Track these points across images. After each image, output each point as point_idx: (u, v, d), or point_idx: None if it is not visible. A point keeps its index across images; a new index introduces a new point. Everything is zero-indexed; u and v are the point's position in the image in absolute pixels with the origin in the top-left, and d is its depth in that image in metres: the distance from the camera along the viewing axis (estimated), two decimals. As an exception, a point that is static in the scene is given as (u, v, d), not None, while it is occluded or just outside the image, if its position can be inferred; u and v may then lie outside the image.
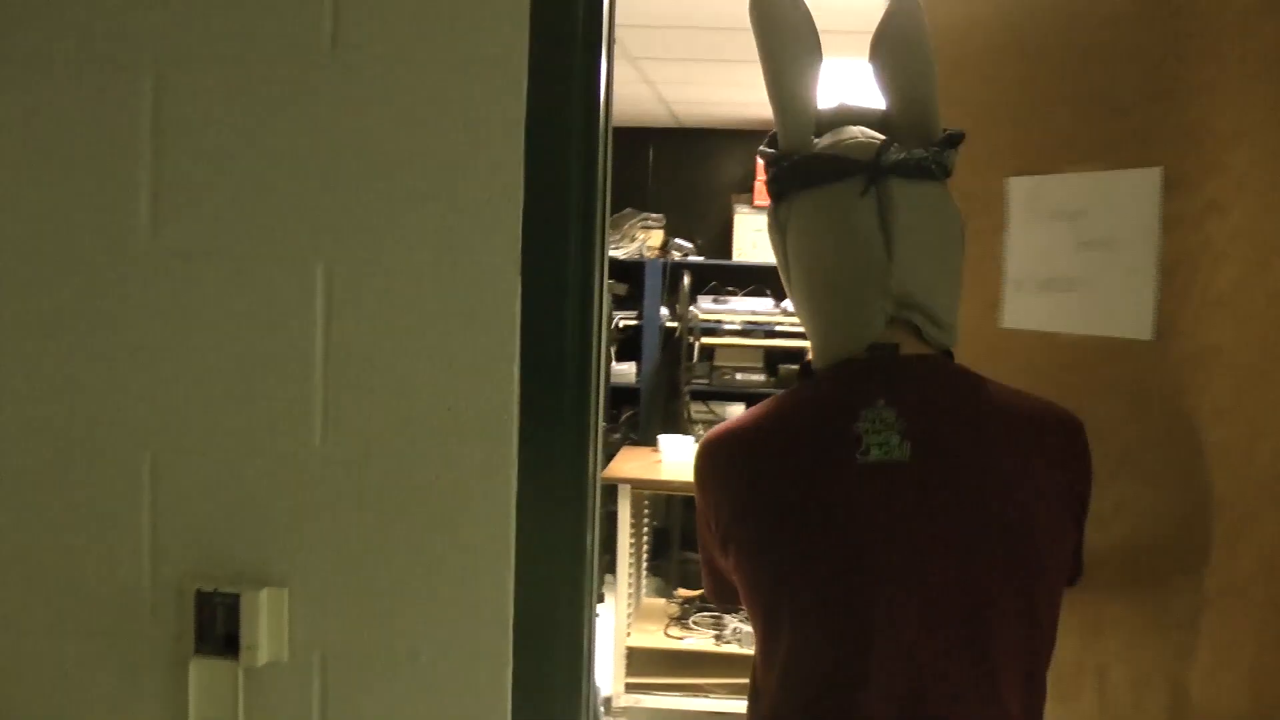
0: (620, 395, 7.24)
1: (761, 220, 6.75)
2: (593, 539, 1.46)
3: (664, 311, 7.33)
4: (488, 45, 1.36)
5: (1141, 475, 1.65)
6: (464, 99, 1.36)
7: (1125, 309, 1.68)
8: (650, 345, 7.28)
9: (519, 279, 1.37)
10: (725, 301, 7.26)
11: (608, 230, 1.45)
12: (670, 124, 7.77)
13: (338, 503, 1.39)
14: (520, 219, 1.37)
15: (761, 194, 7.30)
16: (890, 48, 1.51)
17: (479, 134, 1.37)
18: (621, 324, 7.35)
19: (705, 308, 7.23)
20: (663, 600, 5.62)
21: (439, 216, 1.37)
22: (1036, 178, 1.87)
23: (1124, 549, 1.69)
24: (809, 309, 1.52)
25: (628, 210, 7.63)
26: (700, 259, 7.47)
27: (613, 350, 7.38)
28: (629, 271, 7.29)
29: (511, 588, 1.38)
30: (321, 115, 1.36)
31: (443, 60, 1.36)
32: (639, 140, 7.89)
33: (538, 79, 1.36)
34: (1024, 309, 1.90)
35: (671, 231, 7.55)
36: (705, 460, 1.58)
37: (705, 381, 7.33)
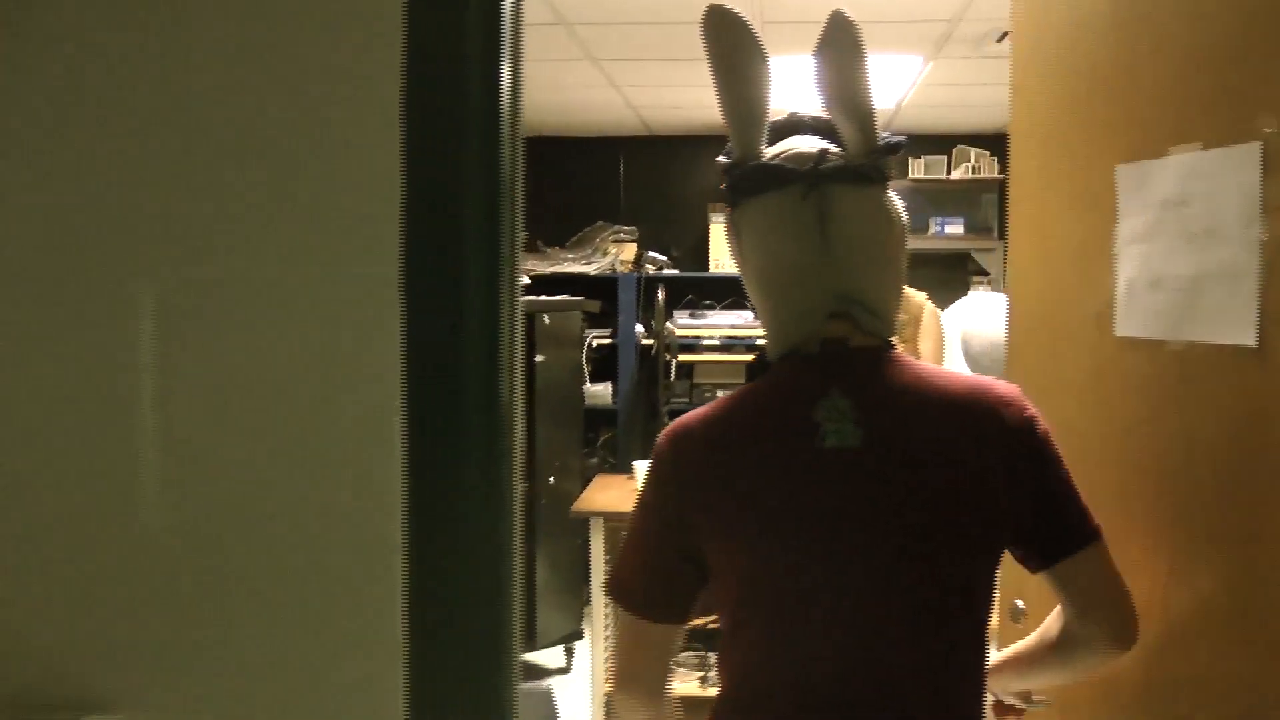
0: (597, 418, 6.91)
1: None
2: (511, 620, 1.12)
3: (639, 328, 7.01)
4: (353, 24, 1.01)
5: (1241, 507, 1.46)
6: (325, 93, 1.02)
7: (1227, 311, 1.46)
8: (627, 364, 6.96)
9: (399, 301, 1.03)
10: (703, 315, 6.95)
11: (519, 240, 1.13)
12: (641, 132, 7.48)
13: (174, 595, 1.04)
14: (399, 229, 1.02)
15: (737, 202, 6.99)
16: (827, 61, 1.55)
17: (342, 130, 1.02)
18: (596, 343, 7.04)
19: (682, 323, 6.92)
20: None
21: (301, 228, 1.02)
22: (1143, 163, 1.68)
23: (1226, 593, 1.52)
24: (762, 306, 1.62)
25: (599, 223, 7.33)
26: (676, 272, 7.16)
27: (587, 371, 7.07)
28: (602, 288, 6.98)
29: (402, 698, 1.03)
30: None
31: (301, 48, 1.01)
32: (608, 150, 7.61)
33: (419, 65, 1.02)
34: (1135, 314, 1.72)
35: (645, 244, 7.25)
36: (670, 450, 1.60)
37: (685, 400, 7.02)
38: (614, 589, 1.65)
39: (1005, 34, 4.74)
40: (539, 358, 5.51)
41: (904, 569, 1.49)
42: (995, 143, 7.22)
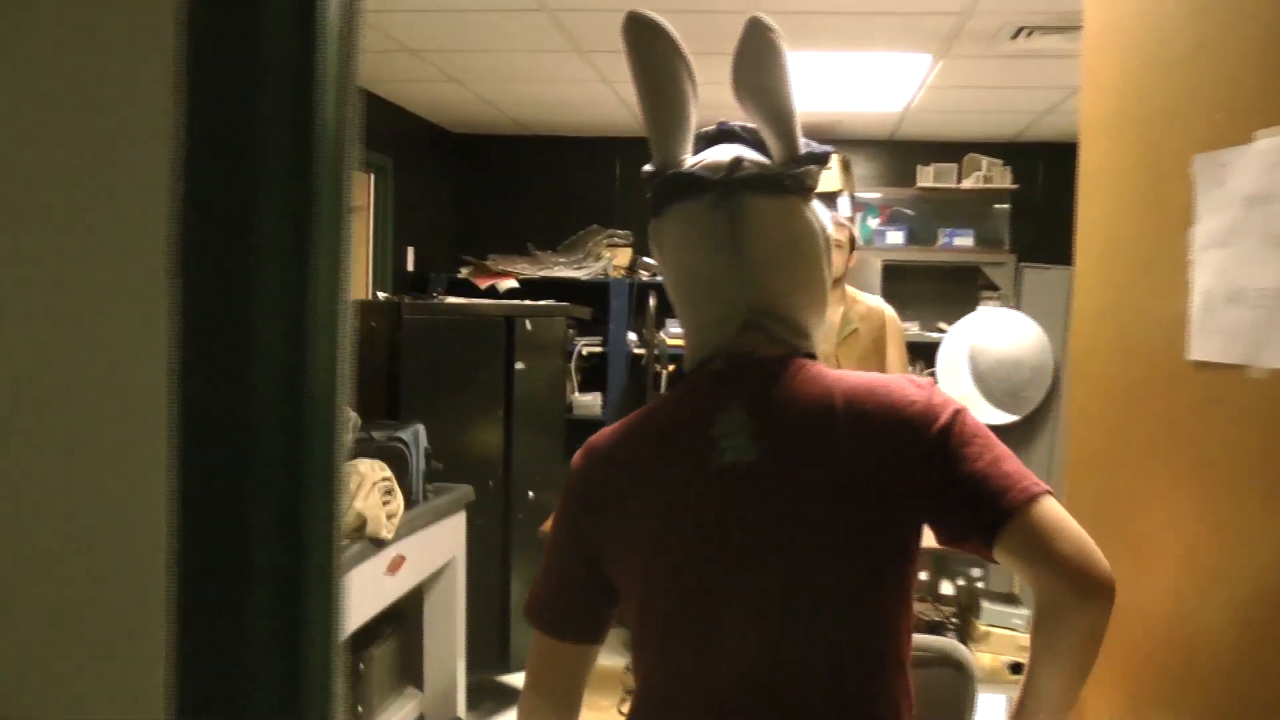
0: (586, 429, 6.49)
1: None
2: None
3: (631, 337, 6.70)
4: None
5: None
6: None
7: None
8: (617, 374, 6.65)
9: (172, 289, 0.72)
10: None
11: (346, 216, 0.82)
12: (638, 133, 7.15)
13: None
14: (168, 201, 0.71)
15: (736, 207, 6.68)
16: (747, 68, 1.52)
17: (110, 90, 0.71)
18: (585, 351, 6.73)
19: (675, 332, 6.58)
20: (623, 662, 4.94)
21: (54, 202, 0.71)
22: (1224, 152, 1.42)
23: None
24: (680, 317, 1.62)
25: (593, 227, 7.03)
26: (670, 279, 6.82)
27: (575, 380, 6.76)
28: (593, 294, 6.66)
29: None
30: None
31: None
32: (603, 151, 7.31)
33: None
34: (1211, 334, 1.46)
35: (641, 249, 6.93)
36: (576, 469, 1.62)
37: (677, 413, 6.70)
38: (526, 607, 1.65)
39: (1021, 30, 4.42)
40: (518, 365, 5.21)
41: (799, 582, 1.46)
42: (1008, 151, 6.92)
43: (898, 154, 7.20)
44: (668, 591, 1.51)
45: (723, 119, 1.66)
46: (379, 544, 3.53)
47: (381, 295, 5.60)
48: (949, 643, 3.84)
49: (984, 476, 1.42)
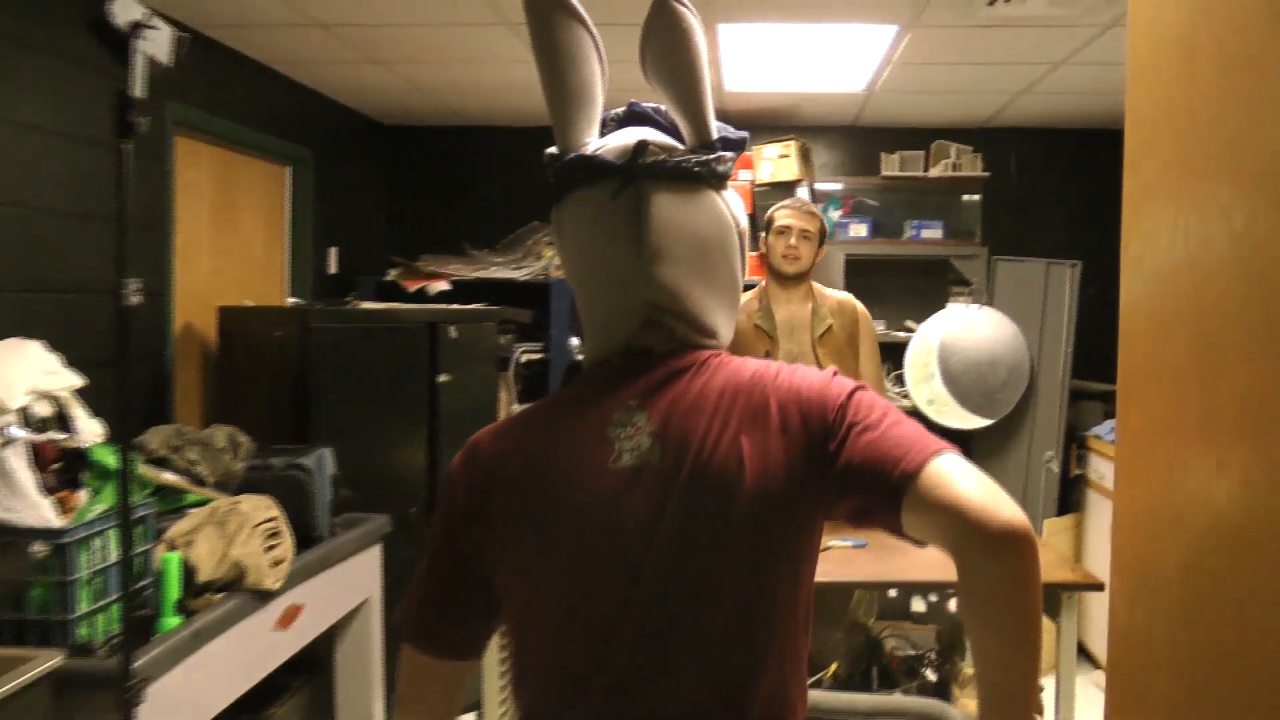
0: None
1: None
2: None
3: (574, 341, 6.16)
4: None
5: None
6: None
7: None
8: (559, 383, 6.10)
9: None
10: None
11: None
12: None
13: None
14: None
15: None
16: (654, 46, 1.46)
17: None
18: (525, 358, 6.19)
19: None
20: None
21: None
22: None
23: None
24: (580, 310, 1.55)
25: (532, 224, 6.50)
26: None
27: (515, 390, 6.23)
28: (533, 295, 6.12)
29: None
30: None
31: None
32: (544, 142, 6.75)
33: None
34: None
35: (584, 247, 6.40)
36: (455, 472, 1.52)
37: (626, 424, 6.19)
38: (397, 620, 1.56)
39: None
40: (442, 378, 4.68)
41: (696, 586, 1.39)
42: (979, 137, 6.45)
43: (861, 141, 6.70)
44: (556, 601, 1.44)
45: (635, 100, 1.57)
46: (263, 596, 2.99)
47: (292, 301, 5.04)
48: (930, 704, 3.38)
49: (883, 446, 1.36)
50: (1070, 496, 6.01)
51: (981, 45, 4.62)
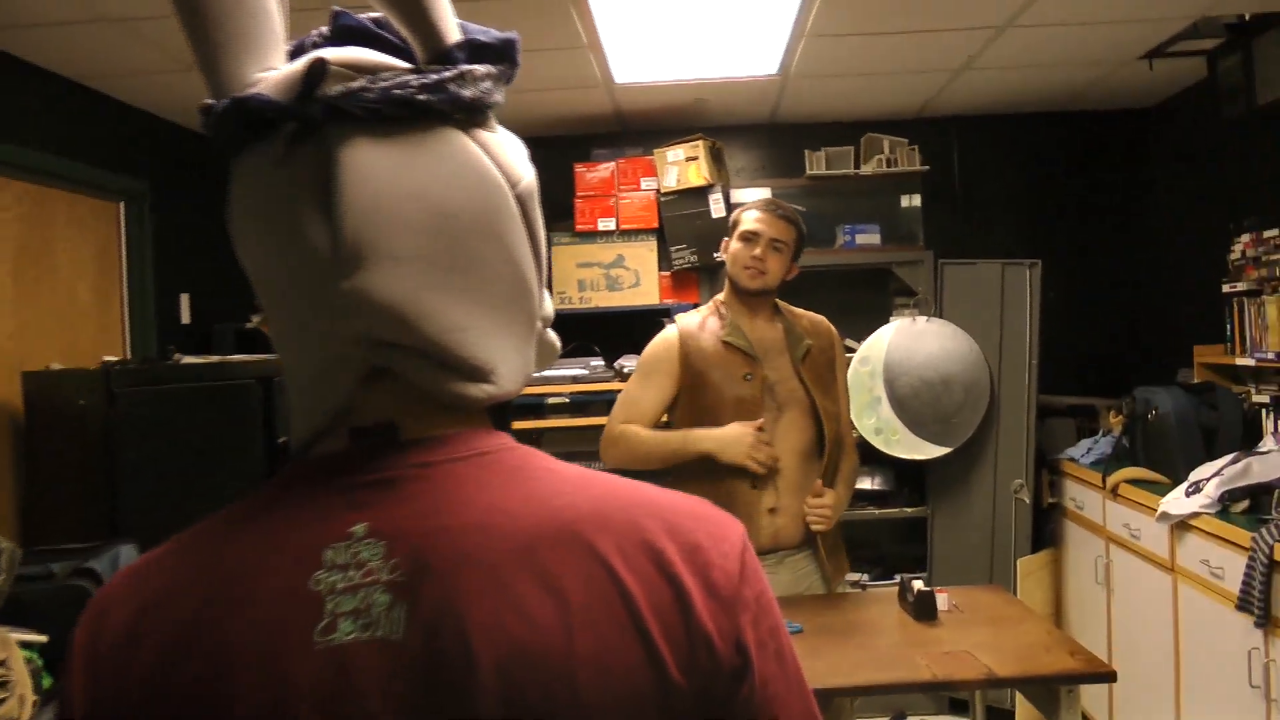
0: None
1: (589, 251, 4.86)
2: None
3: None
4: None
5: None
6: None
7: None
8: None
9: None
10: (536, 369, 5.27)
11: None
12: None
13: None
14: None
15: (585, 214, 5.40)
16: None
17: None
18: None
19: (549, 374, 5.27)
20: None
21: None
22: None
23: None
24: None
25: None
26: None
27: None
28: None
29: None
30: None
31: None
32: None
33: None
34: None
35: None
36: (89, 659, 0.89)
37: (531, 478, 5.37)
38: None
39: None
40: (281, 439, 3.85)
41: None
42: (915, 128, 5.71)
43: (781, 138, 5.94)
44: None
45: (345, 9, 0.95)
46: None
47: (107, 359, 4.21)
48: None
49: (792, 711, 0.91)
50: (1045, 529, 5.26)
51: (906, 9, 3.87)
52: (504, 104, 0.93)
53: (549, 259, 1.14)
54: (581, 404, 5.17)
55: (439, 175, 0.90)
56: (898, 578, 5.52)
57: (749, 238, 3.37)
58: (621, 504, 0.90)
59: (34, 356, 4.24)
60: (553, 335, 1.06)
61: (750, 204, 3.49)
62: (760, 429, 3.19)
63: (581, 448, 5.02)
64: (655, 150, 5.37)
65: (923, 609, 3.09)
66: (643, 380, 3.45)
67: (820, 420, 3.31)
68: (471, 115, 0.92)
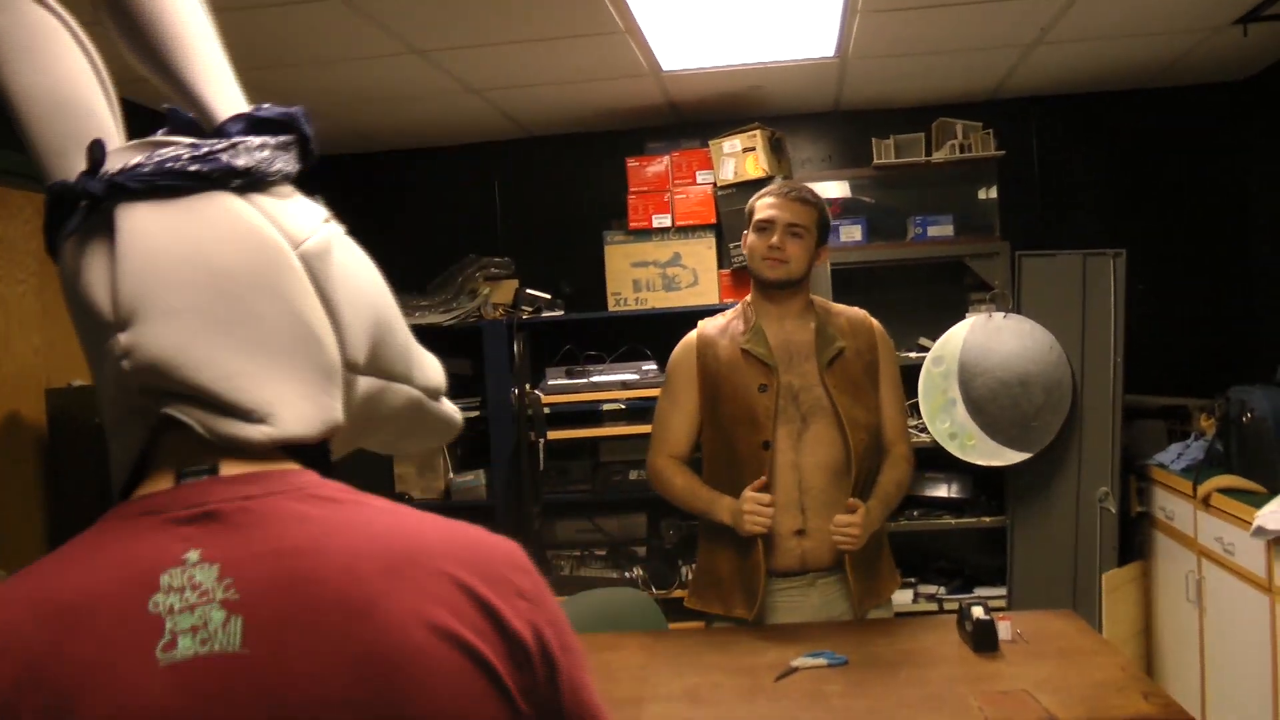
0: (471, 517, 4.96)
1: (644, 250, 4.67)
2: None
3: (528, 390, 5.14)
4: None
5: None
6: None
7: None
8: (504, 443, 5.07)
9: None
10: (585, 374, 5.02)
11: None
12: (517, 134, 5.64)
13: None
14: None
15: (638, 210, 5.15)
16: (112, 10, 1.10)
17: None
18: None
19: (554, 385, 5.02)
20: None
21: None
22: None
23: None
24: None
25: (468, 256, 5.47)
26: (560, 314, 5.26)
27: (449, 458, 5.20)
28: (472, 341, 5.10)
29: None
30: None
31: None
32: (477, 160, 5.78)
33: None
34: None
35: (528, 279, 5.39)
36: None
37: (585, 488, 5.14)
38: None
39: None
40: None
41: None
42: (990, 110, 5.36)
43: (846, 126, 5.62)
44: None
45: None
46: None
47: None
48: None
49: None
50: (1132, 540, 4.89)
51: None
52: (293, 170, 1.06)
53: (404, 323, 1.19)
54: (637, 411, 4.92)
55: (212, 237, 1.00)
56: (975, 591, 5.30)
57: (764, 227, 3.12)
58: (428, 540, 0.99)
59: (61, 373, 4.17)
60: (449, 407, 1.25)
61: (763, 190, 3.22)
62: (761, 487, 3.00)
63: (639, 455, 4.79)
64: (711, 141, 5.10)
65: (982, 639, 2.79)
66: (668, 396, 3.29)
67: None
68: (250, 181, 1.02)
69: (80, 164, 1.03)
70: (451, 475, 5.18)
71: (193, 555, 0.94)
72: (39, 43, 1.06)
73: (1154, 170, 5.48)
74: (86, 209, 1.00)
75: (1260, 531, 3.53)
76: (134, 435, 1.01)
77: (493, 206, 5.81)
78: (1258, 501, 3.71)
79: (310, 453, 1.03)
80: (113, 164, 1.02)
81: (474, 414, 5.10)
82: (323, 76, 4.32)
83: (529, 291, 5.28)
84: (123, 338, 0.97)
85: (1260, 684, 3.65)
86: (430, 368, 1.20)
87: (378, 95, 4.70)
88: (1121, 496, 4.78)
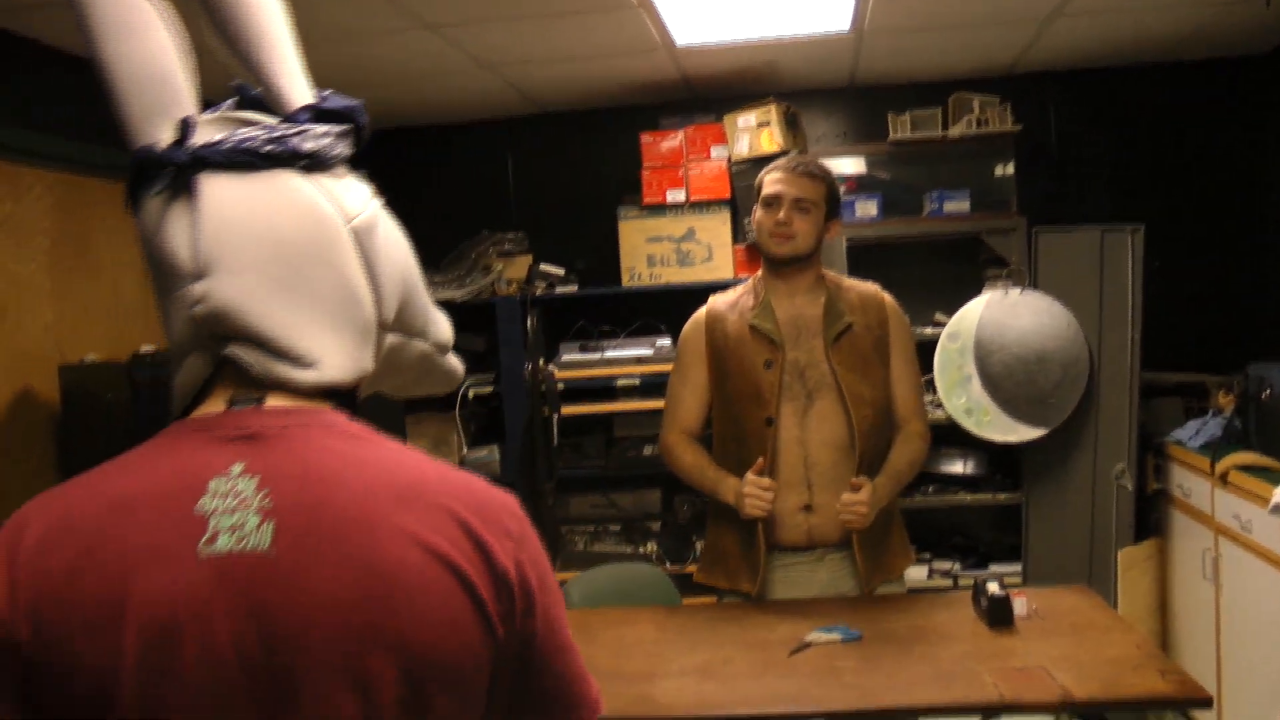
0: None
1: (658, 225, 4.67)
2: None
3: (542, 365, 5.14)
4: None
5: None
6: None
7: None
8: (517, 418, 5.06)
9: None
10: (598, 349, 5.02)
11: None
12: (530, 110, 5.62)
13: None
14: None
15: (652, 186, 5.13)
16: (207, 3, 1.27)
17: None
18: (473, 393, 5.17)
19: (568, 360, 5.01)
20: None
21: None
22: None
23: None
24: None
25: (482, 233, 5.47)
26: (574, 289, 5.25)
27: (463, 433, 5.20)
28: (485, 317, 5.10)
29: None
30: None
31: None
32: (491, 136, 5.75)
33: None
34: None
35: (542, 255, 5.38)
36: (6, 544, 1.14)
37: (599, 464, 5.14)
38: None
39: None
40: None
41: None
42: (1007, 85, 5.30)
43: (862, 101, 5.59)
44: None
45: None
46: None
47: (146, 349, 4.09)
48: None
49: (559, 688, 1.23)
50: (1149, 518, 4.86)
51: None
52: (346, 153, 1.26)
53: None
54: (651, 386, 4.91)
55: (279, 209, 1.18)
56: (990, 568, 5.29)
57: (771, 202, 3.11)
58: (432, 479, 1.16)
59: (75, 349, 4.18)
60: (454, 360, 1.39)
61: (771, 165, 3.20)
62: (761, 470, 3.00)
63: (652, 430, 4.78)
64: (725, 116, 5.07)
65: (997, 615, 2.78)
66: (679, 373, 3.29)
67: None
68: (314, 165, 1.21)
69: (163, 131, 1.19)
70: (465, 450, 5.19)
71: (237, 468, 1.12)
72: (133, 21, 1.20)
73: (1171, 146, 5.43)
74: (172, 175, 1.17)
75: (1278, 509, 3.51)
76: (196, 369, 1.19)
77: (506, 182, 5.79)
78: (1276, 479, 3.68)
79: (341, 396, 1.21)
80: (197, 138, 1.18)
81: (487, 390, 5.10)
82: (334, 53, 4.29)
83: (543, 267, 5.27)
84: (198, 286, 1.15)
85: (1276, 661, 3.63)
86: (442, 325, 1.37)
87: (390, 72, 4.68)
88: (1138, 473, 4.76)
